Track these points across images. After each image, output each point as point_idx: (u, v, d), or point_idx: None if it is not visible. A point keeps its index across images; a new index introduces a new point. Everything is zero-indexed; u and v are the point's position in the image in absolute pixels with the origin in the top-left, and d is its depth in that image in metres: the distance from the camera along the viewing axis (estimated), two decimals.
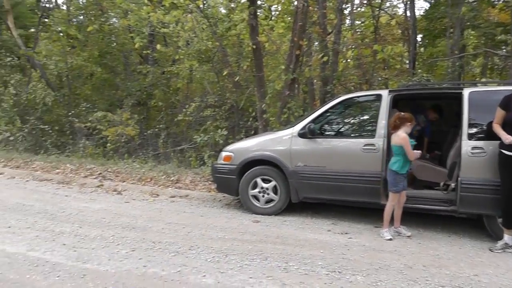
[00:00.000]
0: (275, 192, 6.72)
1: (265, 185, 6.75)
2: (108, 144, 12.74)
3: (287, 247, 5.10)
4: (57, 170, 9.98)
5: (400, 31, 14.90)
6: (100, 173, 9.57)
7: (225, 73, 11.86)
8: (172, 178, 9.13)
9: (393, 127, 5.64)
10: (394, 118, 5.64)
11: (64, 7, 20.16)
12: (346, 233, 5.85)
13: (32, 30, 21.11)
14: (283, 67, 10.17)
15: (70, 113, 14.95)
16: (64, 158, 11.75)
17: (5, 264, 4.42)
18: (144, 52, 15.80)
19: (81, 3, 18.69)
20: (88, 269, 4.29)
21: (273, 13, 12.65)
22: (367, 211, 6.78)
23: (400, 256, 4.94)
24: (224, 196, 7.88)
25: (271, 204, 6.78)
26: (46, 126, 14.64)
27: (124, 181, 8.97)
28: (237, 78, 11.81)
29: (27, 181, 9.22)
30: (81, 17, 18.82)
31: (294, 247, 5.12)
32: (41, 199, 7.47)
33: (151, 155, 12.42)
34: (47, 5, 21.34)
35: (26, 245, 4.99)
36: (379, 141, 6.10)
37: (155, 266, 4.41)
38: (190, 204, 7.51)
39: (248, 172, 6.84)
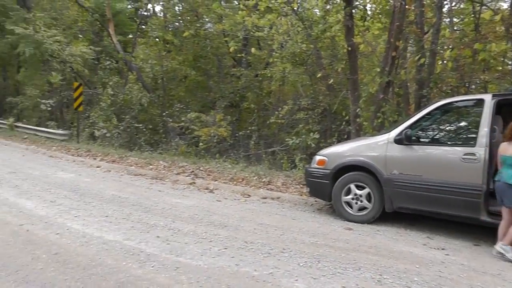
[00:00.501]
0: (369, 200, 6.43)
1: (358, 192, 6.48)
2: (200, 144, 13.09)
3: (381, 259, 4.85)
4: (151, 166, 10.37)
5: (503, 28, 13.77)
6: (192, 171, 9.79)
7: (318, 75, 11.70)
8: (263, 180, 9.11)
9: (509, 137, 5.18)
10: (511, 126, 5.17)
11: (161, 15, 21.08)
12: (442, 249, 5.43)
13: (130, 36, 22.41)
14: (378, 69, 9.82)
15: (164, 113, 15.57)
16: (157, 155, 12.21)
17: (103, 250, 4.68)
18: (238, 55, 16.06)
19: (177, 10, 19.46)
20: (181, 262, 4.36)
21: (368, 13, 12.27)
22: (465, 226, 6.24)
23: (504, 282, 4.47)
24: (315, 201, 7.72)
25: (364, 212, 6.49)
26: (140, 125, 15.39)
27: (216, 180, 9.08)
28: (331, 81, 11.61)
29: (122, 175, 9.66)
30: (177, 23, 19.59)
31: (388, 259, 4.85)
32: (135, 193, 7.79)
33: (242, 156, 12.58)
34: (145, 13, 22.44)
35: (122, 234, 5.22)
36: (480, 151, 5.60)
37: (247, 265, 4.37)
38: (282, 207, 7.41)
39: (341, 177, 6.61)
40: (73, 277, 4.01)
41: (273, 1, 11.05)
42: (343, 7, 10.08)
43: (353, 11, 10.54)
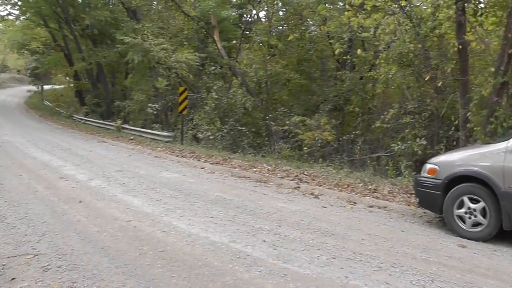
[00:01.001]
0: (484, 215, 5.72)
1: (472, 206, 5.79)
2: (304, 148, 12.87)
3: (502, 284, 4.29)
4: (254, 169, 10.31)
5: None
6: (297, 175, 9.57)
7: (427, 78, 10.96)
8: (369, 187, 8.65)
9: None
10: None
11: (265, 19, 21.23)
12: None
13: (234, 42, 22.86)
14: (492, 69, 8.91)
15: (267, 117, 15.60)
16: (260, 158, 12.18)
17: (209, 251, 4.66)
18: (343, 57, 15.69)
19: (281, 14, 19.48)
20: (288, 269, 4.20)
21: (481, 6, 11.25)
22: None
23: None
24: (424, 212, 7.14)
25: (479, 229, 5.78)
26: (243, 128, 15.55)
27: (320, 185, 8.79)
28: (439, 83, 10.83)
29: (226, 177, 9.68)
30: (281, 28, 19.61)
31: (510, 286, 4.29)
32: (240, 195, 7.74)
33: (346, 161, 12.18)
34: (249, 19, 22.73)
35: (228, 237, 5.17)
36: None
37: (357, 278, 4.10)
38: (390, 217, 6.95)
39: (454, 188, 5.99)
40: (179, 275, 4.03)
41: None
42: (454, 2, 9.30)
43: (465, 5, 9.68)
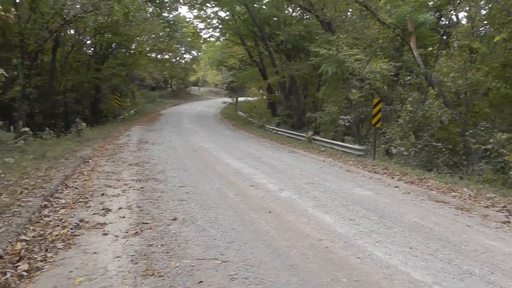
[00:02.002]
0: None
1: None
2: (511, 172, 11.21)
3: None
4: (453, 193, 9.33)
5: None
6: (504, 206, 8.27)
7: None
8: None
9: None
10: None
11: (465, 21, 19.48)
12: None
13: (430, 48, 21.42)
14: None
15: (466, 132, 14.10)
16: (457, 180, 10.98)
17: None
18: None
19: (484, 13, 17.57)
20: None
21: None
22: None
23: None
24: None
25: None
26: (439, 144, 14.33)
27: None
28: None
29: (422, 199, 8.89)
30: (482, 28, 17.72)
31: None
32: (439, 223, 7.00)
33: None
34: (447, 22, 21.15)
35: (431, 276, 4.65)
36: None
37: None
38: None
39: None
40: None
41: None
42: None
43: None
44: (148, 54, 41.12)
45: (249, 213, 7.18)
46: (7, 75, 10.77)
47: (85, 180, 10.20)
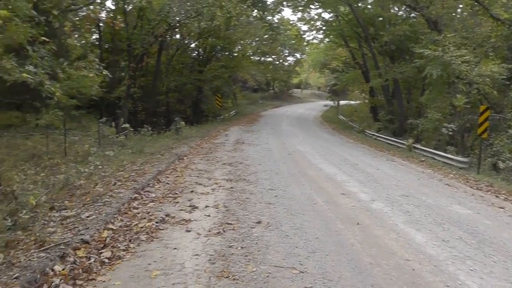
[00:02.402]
0: None
1: None
2: None
3: None
4: None
5: None
6: None
7: None
8: None
9: None
10: None
11: None
12: None
13: None
14: None
15: None
16: None
17: None
18: None
19: None
20: None
21: None
22: None
23: None
24: None
25: None
26: None
27: None
28: None
29: None
30: None
31: None
32: None
33: None
34: None
35: None
36: None
37: None
38: None
39: None
40: None
41: None
42: None
43: None
44: (251, 57, 41.88)
45: (336, 223, 6.91)
46: (111, 76, 11.48)
47: (177, 176, 10.50)
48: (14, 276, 4.48)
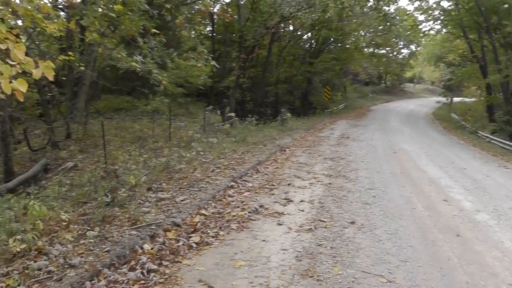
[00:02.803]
0: None
1: None
2: None
3: None
4: None
5: None
6: None
7: None
8: None
9: None
10: None
11: None
12: None
13: None
14: None
15: None
16: None
17: None
18: None
19: None
20: None
21: None
22: None
23: None
24: None
25: None
26: None
27: None
28: None
29: None
30: None
31: None
32: None
33: None
34: None
35: None
36: None
37: None
38: None
39: None
40: None
41: None
42: None
43: None
44: (364, 49, 40.86)
45: (433, 231, 6.48)
46: (218, 66, 11.83)
47: (276, 167, 10.56)
48: (106, 249, 4.82)
